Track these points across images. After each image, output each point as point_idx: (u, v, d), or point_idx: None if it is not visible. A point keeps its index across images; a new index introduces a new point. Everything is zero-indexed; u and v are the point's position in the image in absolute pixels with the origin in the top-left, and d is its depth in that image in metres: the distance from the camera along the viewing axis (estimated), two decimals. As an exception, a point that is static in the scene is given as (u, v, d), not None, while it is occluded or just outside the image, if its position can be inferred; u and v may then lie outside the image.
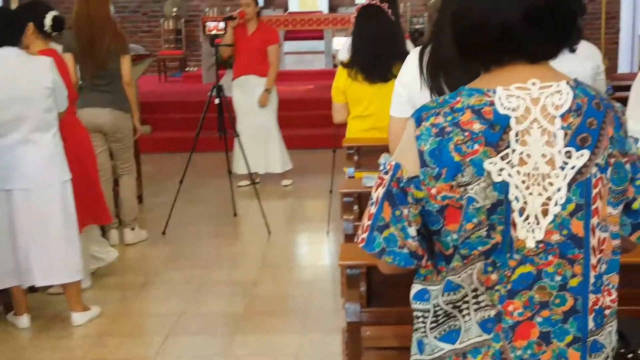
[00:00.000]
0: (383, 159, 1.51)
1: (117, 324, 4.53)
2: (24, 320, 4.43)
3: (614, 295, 1.48)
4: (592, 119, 1.40)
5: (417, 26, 13.25)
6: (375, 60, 4.33)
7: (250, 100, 7.34)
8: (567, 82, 1.42)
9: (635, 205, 1.49)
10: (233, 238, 6.19)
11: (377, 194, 1.49)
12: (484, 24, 1.41)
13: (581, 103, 1.40)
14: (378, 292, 2.47)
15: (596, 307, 1.44)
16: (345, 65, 4.49)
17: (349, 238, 3.39)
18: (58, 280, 4.43)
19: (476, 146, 1.38)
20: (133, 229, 5.92)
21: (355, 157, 4.41)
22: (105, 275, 5.34)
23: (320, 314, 4.61)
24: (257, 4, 7.38)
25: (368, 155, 4.36)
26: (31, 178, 4.22)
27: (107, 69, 5.50)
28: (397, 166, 1.46)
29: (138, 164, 7.02)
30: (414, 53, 2.61)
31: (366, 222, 1.49)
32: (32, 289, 4.65)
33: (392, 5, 4.38)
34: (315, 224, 6.43)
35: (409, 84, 2.57)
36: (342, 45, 5.90)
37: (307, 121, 9.60)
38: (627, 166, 1.44)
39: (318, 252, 5.95)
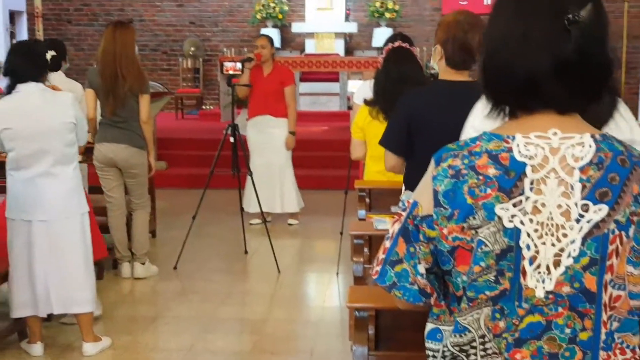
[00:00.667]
0: (404, 196, 1.56)
1: (126, 356, 4.57)
2: (37, 349, 4.48)
3: (629, 354, 1.42)
4: (614, 174, 1.37)
5: (433, 71, 13.38)
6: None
7: (265, 139, 7.45)
8: (592, 135, 1.39)
9: None
10: (243, 275, 6.23)
11: (394, 229, 1.51)
12: (509, 70, 1.41)
13: (604, 157, 1.38)
14: (386, 335, 2.48)
15: None
16: (367, 103, 4.56)
17: (359, 280, 3.42)
18: (75, 310, 4.50)
19: (489, 190, 1.37)
20: (143, 264, 5.98)
21: (367, 200, 4.46)
22: (116, 308, 5.39)
23: (326, 356, 4.62)
24: (272, 45, 7.51)
25: (380, 197, 4.41)
26: (51, 210, 4.33)
27: (126, 106, 5.66)
28: (415, 204, 1.47)
29: (153, 199, 7.11)
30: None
31: (381, 255, 1.52)
32: (46, 318, 4.72)
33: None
34: (325, 264, 6.48)
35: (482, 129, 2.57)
36: (357, 88, 5.98)
37: (320, 162, 9.68)
38: None
39: (327, 293, 5.98)
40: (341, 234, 6.27)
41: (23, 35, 14.23)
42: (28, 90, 4.26)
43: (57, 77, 6.08)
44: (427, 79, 4.73)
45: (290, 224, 7.82)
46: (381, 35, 13.89)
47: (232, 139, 6.42)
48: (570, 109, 1.42)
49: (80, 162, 5.82)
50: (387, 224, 3.56)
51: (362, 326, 2.47)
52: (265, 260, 6.44)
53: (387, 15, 14.14)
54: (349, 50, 14.32)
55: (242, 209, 6.53)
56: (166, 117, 13.04)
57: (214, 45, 14.81)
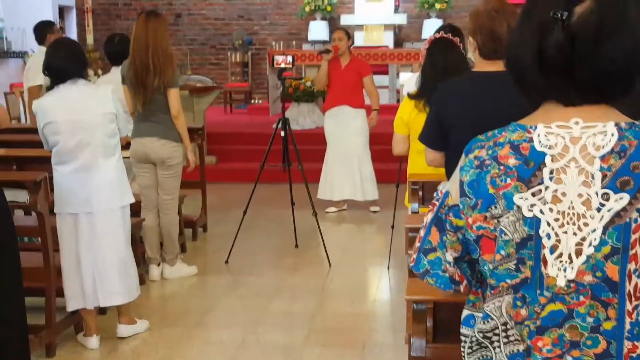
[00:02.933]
0: (440, 186, 1.58)
1: (179, 350, 4.60)
2: (93, 341, 4.56)
3: None
4: (637, 163, 1.36)
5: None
6: None
7: (343, 129, 7.74)
8: (617, 124, 1.39)
9: None
10: (294, 269, 6.23)
11: (427, 218, 1.57)
12: (510, 61, 1.49)
13: (627, 145, 1.37)
14: (444, 327, 2.46)
15: (633, 354, 1.39)
16: (412, 96, 4.48)
17: (414, 273, 3.38)
18: (119, 301, 4.60)
19: (509, 180, 1.40)
20: (173, 265, 5.86)
21: (420, 193, 4.41)
22: (167, 301, 5.44)
23: (379, 350, 4.60)
24: (349, 38, 7.75)
25: (432, 191, 4.34)
26: (95, 202, 4.42)
27: (157, 99, 5.52)
28: (447, 194, 1.52)
29: (203, 193, 7.16)
30: None
31: (417, 243, 1.58)
32: (102, 311, 4.78)
33: (462, 40, 4.41)
34: (376, 258, 6.44)
35: None
36: (407, 80, 5.92)
37: (373, 155, 9.62)
38: None
39: (378, 286, 5.94)
40: (392, 227, 6.22)
41: (73, 30, 14.45)
42: (71, 86, 4.38)
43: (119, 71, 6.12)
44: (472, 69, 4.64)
45: (373, 211, 8.03)
46: (431, 27, 13.77)
47: (282, 133, 6.41)
48: (578, 101, 1.42)
49: (124, 157, 5.91)
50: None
51: (420, 318, 2.46)
52: (316, 254, 6.44)
53: (438, 6, 14.02)
54: (398, 42, 14.25)
55: (293, 203, 6.51)
56: (215, 111, 13.13)
57: (262, 39, 14.86)
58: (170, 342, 4.68)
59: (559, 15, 1.37)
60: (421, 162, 4.52)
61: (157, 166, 5.69)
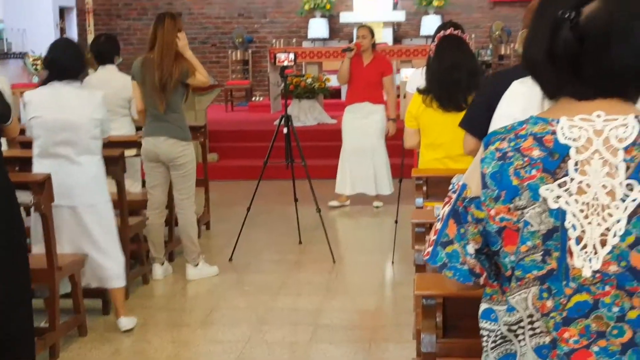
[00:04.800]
0: (455, 178, 1.57)
1: (187, 349, 4.59)
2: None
3: None
4: None
5: (486, 58, 13.22)
6: (452, 89, 4.33)
7: (362, 124, 7.81)
8: (637, 117, 1.42)
9: None
10: (298, 266, 6.22)
11: (444, 211, 1.56)
12: (525, 57, 1.54)
13: None
14: (453, 323, 2.45)
15: None
16: (421, 91, 4.49)
17: (420, 268, 3.38)
18: (108, 285, 4.78)
19: (534, 172, 1.41)
20: (197, 265, 5.83)
21: (424, 188, 4.40)
22: (172, 300, 5.43)
23: (385, 345, 4.60)
24: (373, 36, 7.79)
25: (437, 185, 4.35)
26: (78, 196, 4.59)
27: (169, 96, 5.48)
28: (464, 186, 1.51)
29: (206, 190, 7.16)
30: (522, 86, 2.55)
31: (432, 237, 1.56)
32: (105, 311, 4.97)
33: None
34: (380, 253, 6.43)
35: (520, 116, 2.48)
36: (410, 75, 5.92)
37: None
38: None
39: (383, 282, 5.94)
40: (396, 222, 6.22)
41: (73, 30, 14.42)
42: (64, 87, 4.54)
43: (110, 71, 6.14)
44: (479, 67, 4.64)
45: (376, 207, 8.03)
46: (429, 23, 13.77)
47: (285, 130, 6.41)
48: (590, 96, 1.45)
49: (134, 155, 5.91)
50: (447, 212, 3.52)
51: (430, 314, 2.45)
52: (320, 250, 6.43)
53: (435, 3, 14.00)
54: (397, 39, 14.22)
55: (296, 200, 6.51)
56: (216, 109, 13.11)
57: (262, 36, 14.84)
58: (175, 342, 4.68)
59: (567, 14, 1.40)
60: (431, 155, 4.53)
61: (168, 165, 5.66)
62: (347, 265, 6.20)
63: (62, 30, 13.66)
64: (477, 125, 3.30)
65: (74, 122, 4.53)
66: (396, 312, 5.14)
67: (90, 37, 11.82)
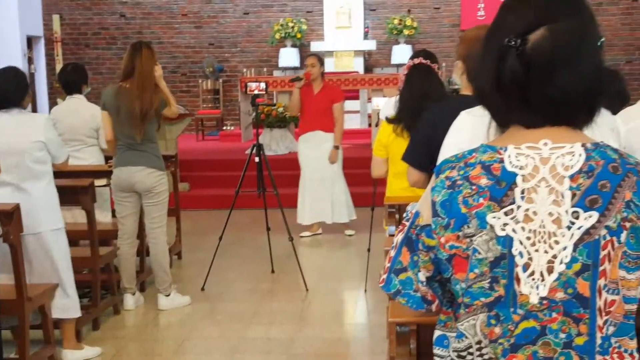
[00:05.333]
0: (409, 206, 1.59)
1: (157, 379, 4.55)
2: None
3: (627, 359, 1.45)
4: (604, 182, 1.40)
5: (456, 86, 13.35)
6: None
7: (316, 154, 7.79)
8: (583, 144, 1.43)
9: None
10: (271, 294, 6.20)
11: (397, 238, 1.57)
12: (474, 85, 1.57)
13: (595, 165, 1.41)
14: (427, 350, 2.45)
15: None
16: (390, 120, 4.53)
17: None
18: (57, 315, 4.67)
19: (481, 200, 1.42)
20: (168, 295, 5.80)
21: (397, 216, 4.42)
22: (144, 330, 5.38)
23: (359, 373, 4.58)
24: (322, 64, 7.79)
25: (409, 213, 4.36)
26: (25, 224, 4.43)
27: (146, 128, 5.48)
28: (417, 214, 1.53)
29: (178, 220, 7.12)
30: (469, 117, 2.58)
31: (387, 264, 1.58)
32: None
33: (439, 66, 4.47)
34: (353, 281, 6.43)
35: (466, 147, 2.50)
36: (383, 105, 5.97)
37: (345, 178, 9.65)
38: None
39: (356, 310, 5.93)
40: (368, 250, 6.23)
41: (41, 60, 14.35)
42: (3, 113, 4.55)
43: (77, 101, 6.10)
44: (449, 95, 4.69)
45: (348, 235, 8.06)
46: (400, 52, 13.91)
47: (257, 159, 6.41)
48: (538, 124, 1.46)
49: (103, 185, 5.87)
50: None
51: (403, 341, 2.45)
52: (292, 279, 6.42)
53: (406, 32, 14.14)
54: (368, 68, 14.34)
55: (268, 229, 6.50)
56: (187, 138, 13.09)
57: (233, 66, 14.87)
58: (147, 372, 4.63)
59: (513, 42, 1.42)
60: (399, 184, 4.56)
61: (142, 196, 5.63)
62: (320, 294, 6.18)
63: (30, 60, 13.59)
64: (418, 158, 3.37)
65: (15, 147, 4.48)
66: (370, 340, 5.13)
67: (58, 67, 11.77)
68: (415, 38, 14.20)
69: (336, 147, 7.78)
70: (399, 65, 13.57)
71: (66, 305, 4.68)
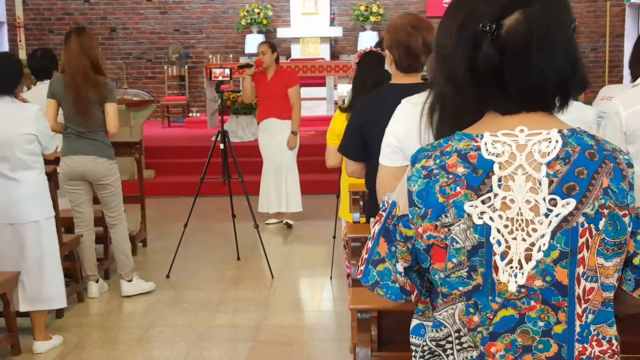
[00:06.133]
0: (385, 197, 1.57)
1: (121, 367, 4.53)
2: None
3: (605, 346, 1.45)
4: (581, 168, 1.40)
5: (423, 73, 13.42)
6: None
7: (272, 141, 7.66)
8: (560, 131, 1.43)
9: (635, 261, 1.46)
10: (236, 282, 6.20)
11: (375, 229, 1.55)
12: (446, 73, 1.51)
13: (571, 152, 1.41)
14: (389, 336, 2.48)
15: (583, 356, 1.43)
16: (343, 110, 4.54)
17: (357, 282, 3.40)
18: (41, 307, 4.68)
19: (458, 189, 1.41)
20: (130, 281, 5.77)
21: (361, 203, 4.44)
22: (109, 318, 5.35)
23: None
24: (274, 51, 7.61)
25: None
26: (15, 214, 4.49)
27: (92, 116, 5.41)
28: (394, 204, 1.51)
29: (142, 207, 7.08)
30: (407, 104, 2.60)
31: (364, 255, 1.56)
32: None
33: None
34: (318, 269, 6.45)
35: (402, 134, 2.54)
36: (348, 91, 5.97)
37: (309, 167, 9.63)
38: (626, 219, 1.41)
39: (321, 297, 5.95)
40: (334, 237, 6.25)
41: (4, 45, 14.14)
42: None
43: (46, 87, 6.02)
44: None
45: (287, 224, 7.94)
46: (367, 39, 13.92)
47: (222, 146, 6.40)
48: (513, 110, 1.45)
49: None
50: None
51: (365, 328, 2.47)
52: (258, 266, 6.42)
53: (372, 18, 14.16)
54: (334, 55, 14.35)
55: (234, 216, 6.49)
56: (153, 125, 13.01)
57: (198, 52, 14.78)
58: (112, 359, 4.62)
59: (488, 27, 1.40)
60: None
61: (94, 185, 5.57)
62: (286, 281, 6.19)
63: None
64: (351, 149, 3.40)
65: (5, 139, 4.45)
66: (335, 327, 5.16)
67: (21, 52, 11.60)
68: (382, 25, 14.21)
69: (293, 133, 7.62)
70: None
71: (52, 295, 4.68)
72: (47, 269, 4.65)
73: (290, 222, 7.96)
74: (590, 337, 1.43)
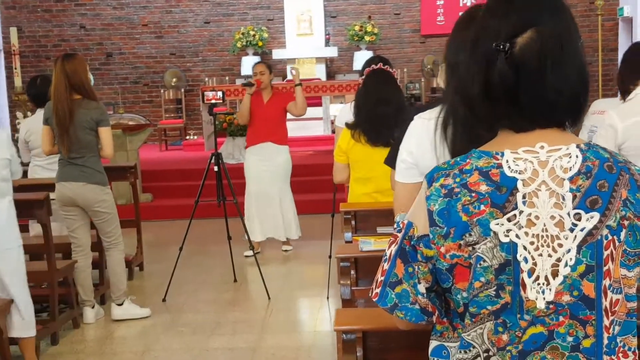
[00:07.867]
0: (398, 217, 1.56)
1: (116, 392, 4.51)
2: None
3: (631, 357, 1.47)
4: (602, 182, 1.41)
5: (414, 92, 13.47)
6: (379, 124, 4.39)
7: (266, 167, 7.46)
8: (578, 145, 1.44)
9: None
10: (233, 304, 6.18)
11: (390, 250, 1.54)
12: (459, 92, 1.53)
13: (591, 166, 1.42)
14: (374, 357, 2.46)
15: None
16: (349, 126, 4.55)
17: (347, 303, 3.39)
18: (16, 334, 4.59)
19: (482, 207, 1.40)
20: (121, 304, 5.73)
21: (353, 222, 4.44)
22: (105, 343, 5.33)
23: (320, 380, 4.58)
24: (271, 72, 7.53)
25: (366, 219, 4.39)
26: None
27: (82, 142, 5.38)
28: (410, 225, 1.50)
29: (139, 231, 7.07)
30: (419, 120, 2.60)
31: (379, 277, 1.54)
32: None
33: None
34: (315, 289, 6.43)
35: (415, 150, 2.55)
36: (339, 110, 5.99)
37: (306, 186, 9.65)
38: None
39: (318, 317, 5.93)
40: (330, 257, 6.24)
41: (0, 73, 14.19)
42: None
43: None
44: (406, 101, 4.73)
45: (284, 250, 7.81)
46: (362, 59, 13.88)
47: (216, 168, 6.40)
48: (528, 128, 1.46)
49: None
50: (372, 245, 3.55)
51: (350, 349, 2.46)
52: (254, 288, 6.40)
53: (367, 38, 14.22)
54: (330, 75, 14.39)
55: (229, 238, 6.48)
56: (150, 149, 13.03)
57: (195, 75, 14.84)
58: (107, 386, 4.60)
59: (501, 46, 1.42)
60: (360, 189, 4.58)
61: (89, 211, 5.54)
62: (283, 302, 6.17)
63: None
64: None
65: None
66: (332, 348, 5.13)
67: (17, 80, 11.61)
68: (377, 44, 14.28)
69: (299, 85, 7.40)
70: (361, 71, 13.60)
71: (21, 324, 4.59)
72: (19, 296, 4.57)
73: (289, 247, 7.81)
74: (617, 348, 1.44)
